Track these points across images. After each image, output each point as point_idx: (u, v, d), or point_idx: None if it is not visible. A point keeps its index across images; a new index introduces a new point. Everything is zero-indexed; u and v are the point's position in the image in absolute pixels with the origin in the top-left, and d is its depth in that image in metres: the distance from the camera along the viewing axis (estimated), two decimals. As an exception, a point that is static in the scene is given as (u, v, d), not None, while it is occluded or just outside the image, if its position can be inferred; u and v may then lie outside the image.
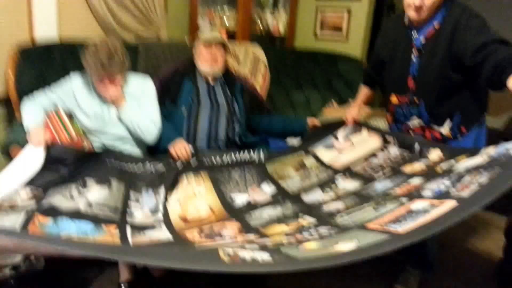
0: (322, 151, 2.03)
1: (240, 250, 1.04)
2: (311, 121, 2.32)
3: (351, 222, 1.28)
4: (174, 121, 2.20)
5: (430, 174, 1.49)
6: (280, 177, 1.87)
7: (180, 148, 1.99)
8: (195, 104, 2.24)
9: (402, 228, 1.08)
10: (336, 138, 2.08)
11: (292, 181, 1.83)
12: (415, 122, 1.83)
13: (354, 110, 2.13)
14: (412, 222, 1.10)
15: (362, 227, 1.19)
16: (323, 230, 1.27)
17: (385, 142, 1.90)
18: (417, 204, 1.23)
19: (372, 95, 2.19)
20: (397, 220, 1.15)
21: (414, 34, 1.76)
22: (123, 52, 1.94)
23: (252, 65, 2.85)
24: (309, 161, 1.98)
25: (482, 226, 2.60)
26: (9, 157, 1.87)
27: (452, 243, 2.36)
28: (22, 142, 1.85)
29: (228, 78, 2.42)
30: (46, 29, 2.39)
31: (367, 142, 1.97)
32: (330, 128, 2.13)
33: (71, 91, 2.02)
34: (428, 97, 1.76)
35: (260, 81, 2.84)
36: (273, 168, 1.94)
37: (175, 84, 2.30)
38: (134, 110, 2.04)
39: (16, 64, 2.17)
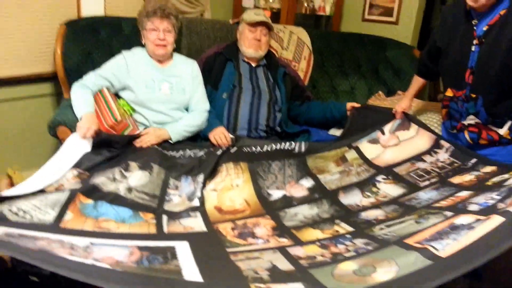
0: (366, 146, 1.96)
1: (271, 283, 1.02)
2: (351, 104, 2.25)
3: (390, 236, 1.23)
4: (214, 106, 2.19)
5: (479, 187, 1.41)
6: (319, 171, 1.83)
7: (220, 136, 1.99)
8: (237, 90, 2.21)
9: (444, 250, 1.03)
10: (383, 132, 1.99)
11: (331, 177, 1.79)
12: (470, 120, 1.69)
13: (405, 102, 2.02)
14: (454, 242, 1.05)
15: (401, 243, 1.14)
16: (360, 243, 1.24)
17: (436, 146, 1.81)
18: (462, 219, 1.17)
19: (425, 86, 2.06)
20: (439, 237, 1.10)
21: (476, 21, 1.61)
22: (177, 12, 2.10)
23: (296, 49, 2.77)
24: (351, 155, 1.92)
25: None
26: (56, 137, 1.92)
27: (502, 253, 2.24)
28: (69, 123, 1.89)
29: (271, 62, 2.37)
30: (93, 8, 2.41)
31: (415, 141, 1.88)
32: (377, 121, 2.04)
33: (124, 63, 2.03)
34: (487, 93, 1.60)
35: (304, 67, 2.76)
36: (314, 163, 1.90)
37: (217, 67, 2.28)
38: (187, 84, 2.11)
39: (63, 41, 2.21)
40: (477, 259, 0.94)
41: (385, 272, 1.00)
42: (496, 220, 1.07)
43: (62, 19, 2.27)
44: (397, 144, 1.92)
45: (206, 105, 2.15)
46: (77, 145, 1.77)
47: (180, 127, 2.04)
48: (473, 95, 1.65)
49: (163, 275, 1.08)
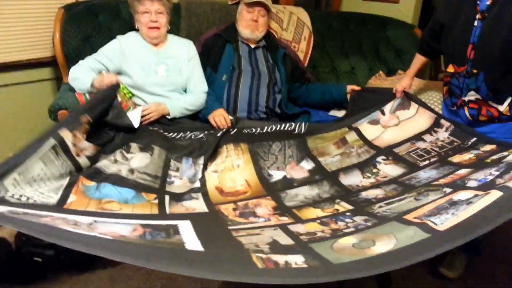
0: (366, 127, 1.96)
1: (273, 255, 1.03)
2: (351, 87, 2.24)
3: (389, 213, 1.25)
4: (214, 88, 2.18)
5: (478, 164, 1.41)
6: (320, 154, 1.83)
7: (220, 118, 1.99)
8: (236, 71, 2.21)
9: (443, 224, 1.04)
10: (383, 113, 1.99)
11: (332, 159, 1.79)
12: (471, 96, 1.69)
13: (406, 81, 2.00)
14: (453, 217, 1.05)
15: (400, 219, 1.16)
16: (360, 219, 1.25)
17: (436, 125, 1.81)
18: (460, 195, 1.17)
19: (426, 65, 2.04)
20: (437, 213, 1.11)
21: None
22: None
23: (296, 30, 2.75)
24: (351, 137, 1.92)
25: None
26: (58, 121, 1.93)
27: (501, 229, 2.25)
28: (70, 107, 1.90)
29: (271, 44, 2.36)
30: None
31: (415, 120, 1.88)
32: (377, 102, 2.03)
33: (119, 47, 2.03)
34: (488, 69, 1.60)
35: (304, 47, 2.74)
36: (314, 144, 1.90)
37: (216, 49, 2.27)
38: (184, 65, 2.11)
39: (61, 25, 2.20)
40: (475, 231, 0.95)
41: (384, 245, 1.01)
42: (494, 195, 1.07)
43: (60, 3, 2.26)
44: (397, 124, 1.91)
45: (205, 87, 2.16)
46: None
47: (180, 104, 2.05)
48: (474, 71, 1.64)
49: (166, 246, 1.10)
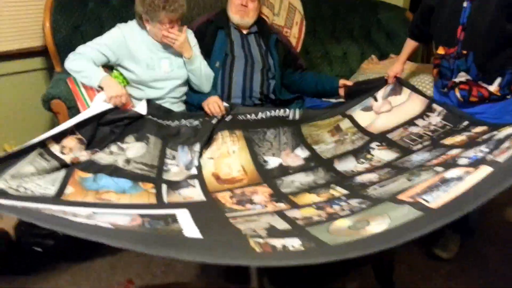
0: (360, 114, 1.97)
1: (270, 239, 1.05)
2: (343, 82, 2.26)
3: (383, 194, 1.27)
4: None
5: (470, 144, 1.44)
6: (314, 142, 1.85)
7: (214, 105, 2.00)
8: (229, 58, 2.20)
9: (435, 201, 1.05)
10: (376, 99, 2.01)
11: (327, 147, 1.81)
12: (461, 77, 1.72)
13: (397, 67, 2.01)
14: (444, 193, 1.07)
15: (393, 199, 1.18)
16: (355, 202, 1.27)
17: (428, 110, 1.83)
18: (451, 172, 1.19)
19: (417, 49, 2.06)
20: (429, 190, 1.12)
21: None
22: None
23: (288, 15, 2.74)
24: (345, 124, 1.94)
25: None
26: (51, 111, 1.93)
27: (493, 210, 2.30)
28: (63, 96, 1.90)
29: (263, 29, 2.35)
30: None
31: (407, 106, 1.90)
32: (370, 89, 2.05)
33: (123, 39, 1.96)
34: (478, 49, 1.63)
35: (296, 32, 2.74)
36: (308, 131, 1.92)
37: (209, 36, 2.25)
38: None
39: (51, 14, 2.17)
40: (466, 206, 0.96)
41: (378, 225, 1.03)
42: (484, 171, 1.09)
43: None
44: (389, 110, 1.93)
45: (211, 72, 2.13)
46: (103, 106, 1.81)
47: (202, 62, 2.06)
48: (464, 52, 1.67)
49: (165, 233, 1.11)
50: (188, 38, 2.04)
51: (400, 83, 2.00)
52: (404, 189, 1.22)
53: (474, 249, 1.97)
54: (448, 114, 1.77)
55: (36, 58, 2.34)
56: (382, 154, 1.68)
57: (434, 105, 1.83)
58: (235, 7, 2.22)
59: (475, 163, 1.20)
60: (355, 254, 0.90)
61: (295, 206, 1.36)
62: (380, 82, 2.04)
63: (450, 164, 1.28)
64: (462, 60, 1.68)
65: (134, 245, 0.95)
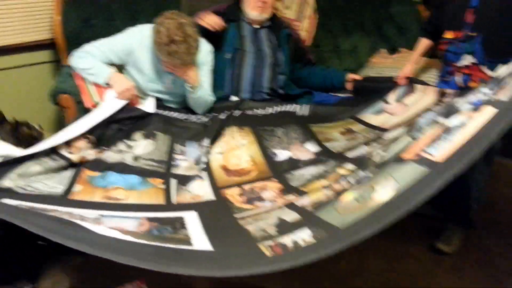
0: (372, 117, 1.94)
1: (280, 237, 1.04)
2: (352, 76, 2.23)
3: (387, 156, 1.24)
4: (218, 67, 2.14)
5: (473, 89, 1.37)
6: (325, 140, 1.82)
7: (209, 19, 2.02)
8: (239, 52, 2.18)
9: (438, 153, 1.01)
10: (386, 102, 1.98)
11: (339, 143, 1.79)
12: (465, 61, 1.75)
13: (409, 68, 2.00)
14: (448, 143, 1.03)
15: (397, 159, 1.14)
16: (362, 174, 1.25)
17: (442, 96, 1.80)
18: (454, 120, 1.14)
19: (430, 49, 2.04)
20: (433, 143, 1.08)
21: None
22: (195, 31, 1.78)
23: (299, 8, 2.70)
24: (357, 127, 1.91)
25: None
26: (58, 105, 1.92)
27: (497, 203, 2.28)
28: (71, 91, 1.88)
29: (274, 24, 2.31)
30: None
31: (422, 99, 1.86)
32: (378, 90, 2.02)
33: (131, 49, 1.91)
34: (487, 31, 1.68)
35: (307, 26, 2.69)
36: (318, 130, 1.89)
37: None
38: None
39: (61, 7, 2.16)
40: (472, 154, 0.93)
41: (383, 188, 1.00)
42: (487, 112, 1.04)
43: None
44: (405, 109, 1.91)
45: (209, 99, 2.02)
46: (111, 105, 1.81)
47: (203, 91, 1.96)
48: (474, 34, 1.72)
49: (173, 244, 1.09)
50: (198, 57, 1.91)
51: (412, 82, 1.97)
52: (407, 147, 1.19)
53: (478, 243, 1.96)
54: (461, 91, 1.73)
55: (43, 51, 2.32)
56: (393, 133, 1.66)
57: (447, 90, 1.81)
58: (254, 2, 2.17)
59: (479, 106, 1.14)
60: (368, 233, 0.87)
61: (303, 194, 1.36)
62: (389, 84, 2.01)
63: (452, 111, 1.22)
64: (469, 42, 1.72)
65: (141, 262, 0.94)
